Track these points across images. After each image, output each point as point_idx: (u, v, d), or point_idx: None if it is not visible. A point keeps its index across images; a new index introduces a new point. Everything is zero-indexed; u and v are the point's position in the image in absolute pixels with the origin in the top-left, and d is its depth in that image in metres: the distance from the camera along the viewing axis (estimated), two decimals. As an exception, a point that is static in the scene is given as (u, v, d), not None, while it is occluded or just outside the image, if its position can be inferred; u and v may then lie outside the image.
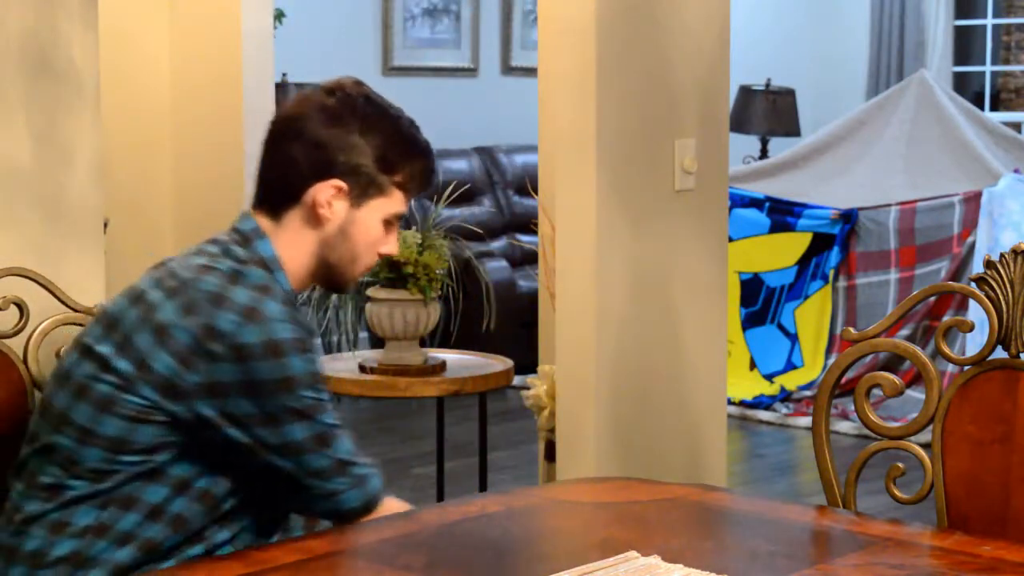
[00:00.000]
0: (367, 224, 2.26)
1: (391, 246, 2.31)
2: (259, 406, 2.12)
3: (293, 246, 2.25)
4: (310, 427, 2.15)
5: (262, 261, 2.21)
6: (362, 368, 4.12)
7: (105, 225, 3.12)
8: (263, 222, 2.27)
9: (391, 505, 2.26)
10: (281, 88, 6.97)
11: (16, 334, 2.51)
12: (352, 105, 2.24)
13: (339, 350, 4.38)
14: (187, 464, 2.17)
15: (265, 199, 2.28)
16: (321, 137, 2.23)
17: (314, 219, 2.25)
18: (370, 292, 4.09)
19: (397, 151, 2.26)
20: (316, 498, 2.19)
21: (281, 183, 2.26)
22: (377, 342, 5.34)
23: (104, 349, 2.17)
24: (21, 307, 2.52)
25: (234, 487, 2.20)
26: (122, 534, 2.16)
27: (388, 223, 2.29)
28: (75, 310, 2.57)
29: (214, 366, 2.11)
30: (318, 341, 2.22)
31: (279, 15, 6.66)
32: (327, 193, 2.23)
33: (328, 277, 2.30)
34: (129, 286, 2.25)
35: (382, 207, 2.27)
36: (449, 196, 4.39)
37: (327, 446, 2.16)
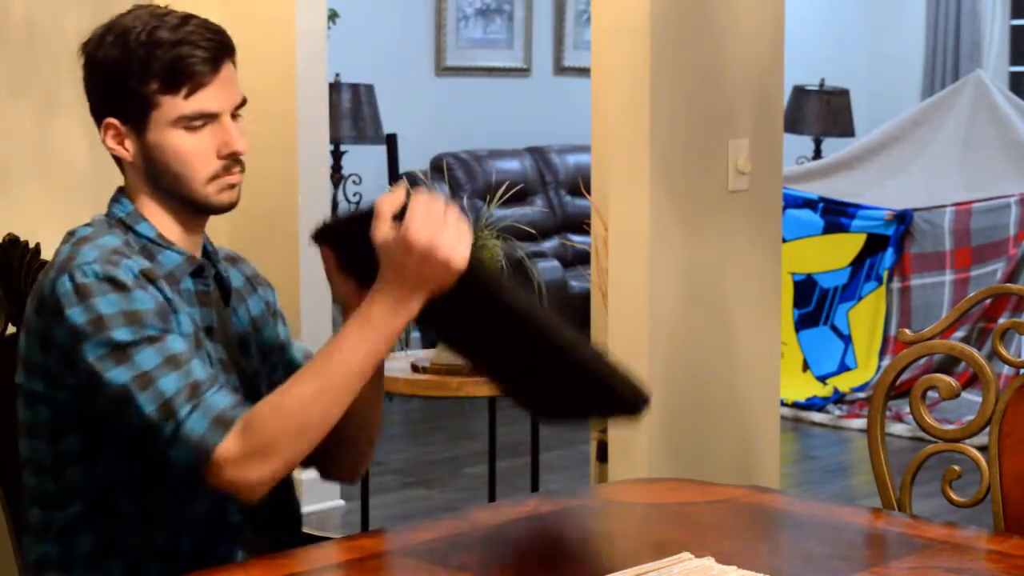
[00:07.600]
0: (163, 144, 2.12)
1: (225, 145, 2.12)
2: (88, 352, 2.01)
3: (135, 195, 2.17)
4: (129, 368, 2.00)
5: (120, 220, 2.16)
6: (414, 368, 4.13)
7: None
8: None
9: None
10: (334, 88, 6.99)
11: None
12: (88, 55, 2.16)
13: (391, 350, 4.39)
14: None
15: None
16: (87, 90, 2.17)
17: (123, 165, 2.18)
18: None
19: (124, 71, 2.12)
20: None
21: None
22: (429, 342, 5.35)
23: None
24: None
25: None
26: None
27: (188, 128, 2.11)
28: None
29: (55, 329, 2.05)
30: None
31: (332, 15, 6.68)
32: (110, 138, 2.16)
33: (182, 209, 2.17)
34: None
35: (162, 119, 2.11)
36: (501, 196, 4.38)
37: (148, 388, 1.99)
